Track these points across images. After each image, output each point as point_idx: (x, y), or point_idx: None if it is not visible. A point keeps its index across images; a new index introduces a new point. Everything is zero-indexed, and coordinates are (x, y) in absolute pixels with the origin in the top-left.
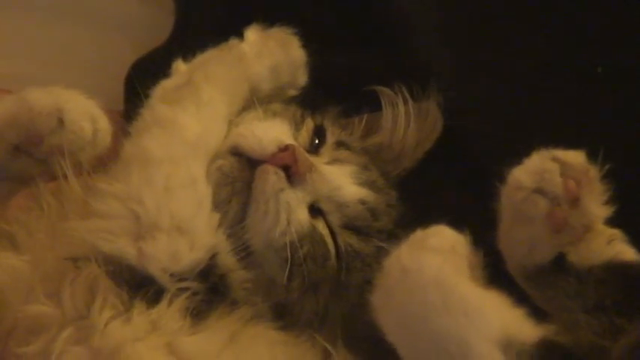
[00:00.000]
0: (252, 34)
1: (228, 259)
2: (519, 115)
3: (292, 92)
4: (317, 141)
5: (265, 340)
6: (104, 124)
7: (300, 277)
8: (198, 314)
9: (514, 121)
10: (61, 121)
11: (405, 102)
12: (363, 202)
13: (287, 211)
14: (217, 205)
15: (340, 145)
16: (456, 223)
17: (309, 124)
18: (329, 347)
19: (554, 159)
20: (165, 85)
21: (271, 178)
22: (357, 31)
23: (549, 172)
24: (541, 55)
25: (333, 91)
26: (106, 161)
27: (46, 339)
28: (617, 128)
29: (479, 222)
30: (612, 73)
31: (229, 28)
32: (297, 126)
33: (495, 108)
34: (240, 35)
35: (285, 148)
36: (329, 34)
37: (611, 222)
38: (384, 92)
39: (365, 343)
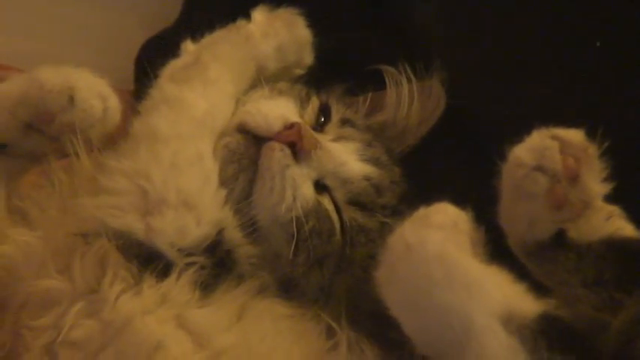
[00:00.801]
0: (258, 14)
1: (234, 235)
2: (521, 90)
3: (298, 71)
4: (322, 119)
5: (271, 314)
6: (114, 103)
7: (306, 251)
8: (206, 288)
9: (516, 97)
10: (71, 100)
11: (409, 81)
12: (367, 178)
13: (293, 187)
14: (224, 181)
15: (345, 122)
16: (459, 200)
17: (314, 103)
18: (334, 324)
19: (554, 137)
20: (173, 65)
21: (277, 154)
22: (360, 11)
23: (549, 150)
24: (544, 25)
25: (338, 70)
26: (116, 139)
27: (58, 313)
28: (617, 104)
29: (480, 199)
30: (611, 47)
31: (237, 9)
32: (302, 104)
33: (496, 83)
34: (247, 16)
35: (291, 126)
36: (333, 14)
37: (610, 199)
38: (388, 71)
39: (369, 319)
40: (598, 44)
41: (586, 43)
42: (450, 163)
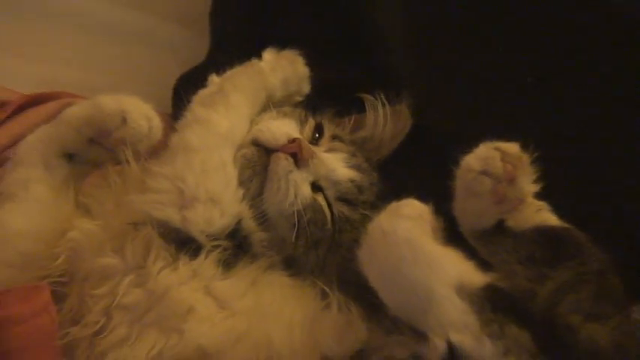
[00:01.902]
0: (268, 54)
1: (250, 224)
2: (471, 111)
3: (298, 98)
4: (317, 135)
5: (278, 284)
6: (157, 122)
7: (305, 237)
8: (227, 264)
9: (467, 116)
10: (124, 120)
11: (384, 106)
12: (352, 180)
13: (294, 187)
14: (242, 183)
15: (334, 137)
16: (423, 197)
17: (311, 122)
18: (327, 289)
19: (496, 148)
20: (202, 93)
21: (282, 162)
22: (345, 50)
23: (492, 159)
24: (490, 59)
25: (329, 98)
26: (158, 150)
27: (113, 284)
28: (543, 125)
29: (440, 196)
30: (541, 82)
31: (251, 51)
32: (302, 124)
33: (452, 107)
34: (259, 56)
35: (293, 141)
36: (324, 53)
37: (539, 196)
38: (368, 98)
39: (354, 287)
40: (529, 79)
41: (520, 78)
42: (416, 169)
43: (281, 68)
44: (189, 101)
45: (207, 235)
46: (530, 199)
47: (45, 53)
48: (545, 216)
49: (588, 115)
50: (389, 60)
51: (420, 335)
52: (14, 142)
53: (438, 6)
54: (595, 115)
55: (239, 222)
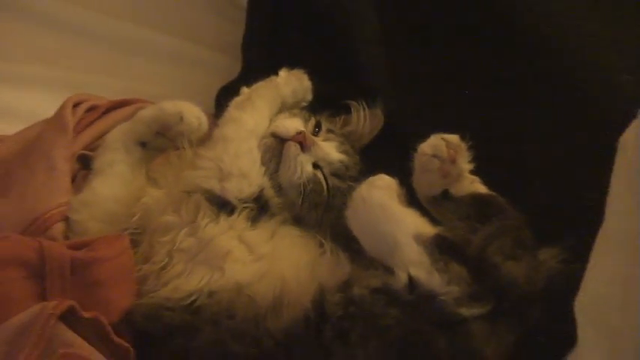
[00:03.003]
0: (282, 72)
1: (269, 192)
2: (426, 113)
3: (304, 104)
4: (317, 129)
5: (289, 235)
6: (204, 120)
7: (308, 201)
8: (254, 220)
9: (423, 117)
10: (181, 118)
11: (364, 109)
12: (341, 161)
13: (301, 166)
14: (263, 163)
15: (329, 131)
16: (391, 173)
17: (312, 121)
18: (323, 240)
19: (443, 138)
20: (236, 100)
21: (292, 148)
22: (336, 71)
23: (440, 146)
24: (440, 75)
25: (325, 104)
26: (205, 140)
27: (173, 234)
28: (477, 123)
29: (403, 173)
30: (476, 95)
31: (270, 70)
32: (306, 121)
33: (412, 110)
34: (276, 73)
35: (300, 133)
36: (322, 72)
37: (473, 172)
38: (353, 104)
39: (343, 238)
40: (467, 92)
41: (462, 89)
42: (386, 154)
43: (291, 82)
44: (226, 105)
45: (239, 200)
46: (467, 175)
47: (122, 73)
48: (478, 186)
49: (503, 116)
50: (367, 78)
51: (389, 270)
52: (102, 135)
53: (402, 42)
54: (506, 117)
55: (262, 190)
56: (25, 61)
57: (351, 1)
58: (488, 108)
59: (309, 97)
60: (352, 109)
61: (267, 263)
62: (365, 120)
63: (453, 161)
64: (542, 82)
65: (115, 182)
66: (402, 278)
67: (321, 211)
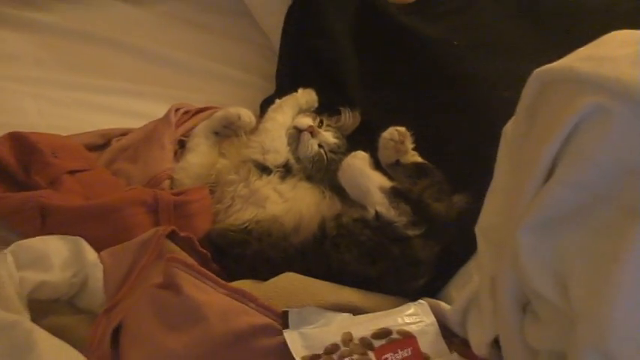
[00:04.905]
0: (300, 90)
1: (292, 161)
2: (387, 115)
3: (312, 109)
4: (320, 124)
5: (304, 187)
6: (254, 119)
7: (315, 167)
8: (283, 178)
9: (385, 117)
10: (239, 117)
11: (348, 112)
12: (335, 143)
13: (311, 146)
14: (289, 144)
15: (328, 125)
16: (365, 150)
17: (317, 119)
18: (324, 190)
19: (396, 129)
20: (272, 107)
21: (306, 135)
22: (331, 89)
23: (394, 133)
24: (396, 91)
25: (325, 109)
26: (254, 131)
27: (235, 186)
28: (417, 118)
29: (373, 151)
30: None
31: (292, 88)
32: (314, 119)
33: (378, 113)
34: (296, 90)
35: (310, 126)
36: (322, 89)
37: (414, 149)
38: (342, 109)
39: (336, 188)
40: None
41: (406, 104)
42: (361, 139)
43: (305, 96)
44: (266, 110)
45: (274, 166)
46: (410, 150)
47: (201, 92)
48: (417, 158)
49: (433, 120)
50: (350, 93)
51: (364, 207)
52: (192, 128)
53: (370, 75)
54: (435, 121)
55: (287, 161)
56: (142, 82)
57: (339, 51)
58: (423, 115)
59: (316, 104)
60: (341, 112)
61: (291, 204)
62: (349, 119)
63: (402, 143)
64: (458, 102)
65: (199, 155)
66: (371, 212)
67: (323, 173)
